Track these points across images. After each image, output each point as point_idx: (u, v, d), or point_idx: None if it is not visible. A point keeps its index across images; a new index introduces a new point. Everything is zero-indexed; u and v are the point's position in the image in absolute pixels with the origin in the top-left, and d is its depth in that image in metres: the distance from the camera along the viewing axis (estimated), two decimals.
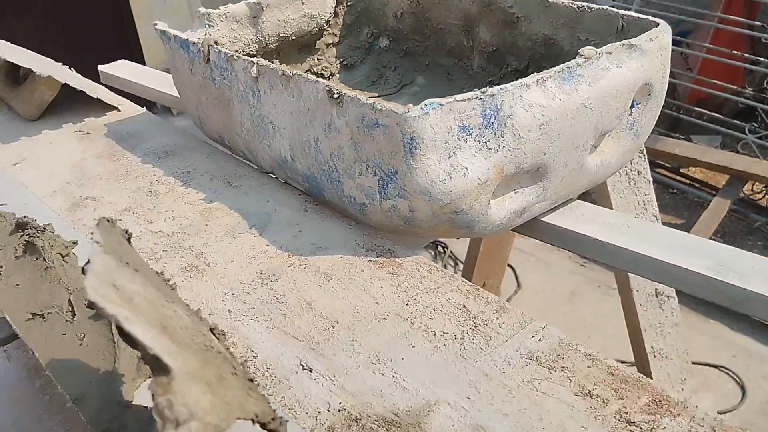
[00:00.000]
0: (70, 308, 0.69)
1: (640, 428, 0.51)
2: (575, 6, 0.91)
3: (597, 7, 0.89)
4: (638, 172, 1.17)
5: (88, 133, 1.12)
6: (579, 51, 0.74)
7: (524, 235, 0.82)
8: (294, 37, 1.13)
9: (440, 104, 0.67)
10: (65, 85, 1.15)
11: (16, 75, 1.26)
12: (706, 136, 3.52)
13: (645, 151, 1.19)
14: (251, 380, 0.47)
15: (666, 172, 3.34)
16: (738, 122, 3.06)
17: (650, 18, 0.83)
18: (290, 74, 0.78)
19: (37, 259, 0.75)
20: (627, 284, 1.24)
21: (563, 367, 0.57)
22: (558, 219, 0.80)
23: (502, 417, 0.53)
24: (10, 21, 3.32)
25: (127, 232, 0.58)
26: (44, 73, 1.11)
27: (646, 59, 0.78)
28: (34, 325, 0.69)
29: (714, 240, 2.76)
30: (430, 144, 0.67)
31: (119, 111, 1.19)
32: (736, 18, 3.32)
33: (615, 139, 0.82)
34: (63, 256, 0.75)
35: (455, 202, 0.70)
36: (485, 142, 0.69)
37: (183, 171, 0.96)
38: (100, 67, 1.43)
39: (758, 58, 3.10)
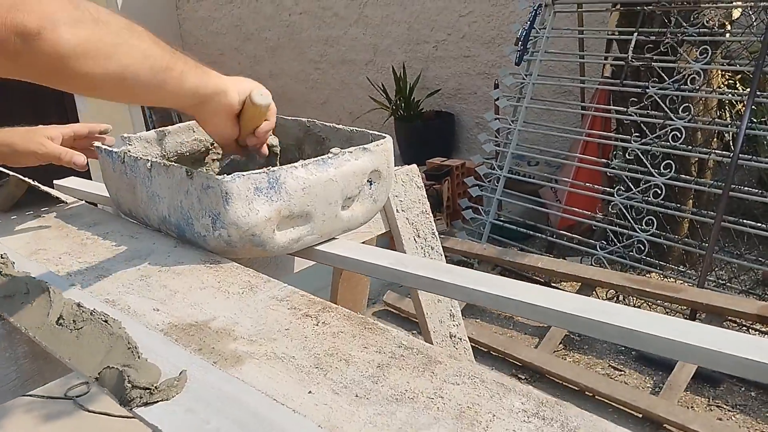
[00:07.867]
0: None
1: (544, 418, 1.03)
2: (349, 130, 1.50)
3: (362, 130, 1.48)
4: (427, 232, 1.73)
5: (43, 216, 1.65)
6: (330, 150, 1.32)
7: (302, 258, 1.36)
8: (188, 154, 1.70)
9: (242, 175, 1.22)
10: (29, 186, 1.70)
11: None
12: (577, 256, 4.13)
13: (432, 216, 1.76)
14: None
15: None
16: (592, 241, 3.70)
17: (382, 134, 1.41)
18: (168, 165, 1.34)
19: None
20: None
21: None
22: (322, 246, 1.34)
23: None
24: None
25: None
26: (16, 176, 1.66)
27: (374, 156, 1.36)
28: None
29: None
30: (237, 197, 1.22)
31: (67, 203, 1.73)
32: (591, 157, 4.05)
33: (360, 203, 1.38)
34: None
35: (252, 229, 1.23)
36: (270, 197, 1.24)
37: (104, 232, 1.49)
38: (55, 182, 1.98)
39: (606, 188, 3.80)
